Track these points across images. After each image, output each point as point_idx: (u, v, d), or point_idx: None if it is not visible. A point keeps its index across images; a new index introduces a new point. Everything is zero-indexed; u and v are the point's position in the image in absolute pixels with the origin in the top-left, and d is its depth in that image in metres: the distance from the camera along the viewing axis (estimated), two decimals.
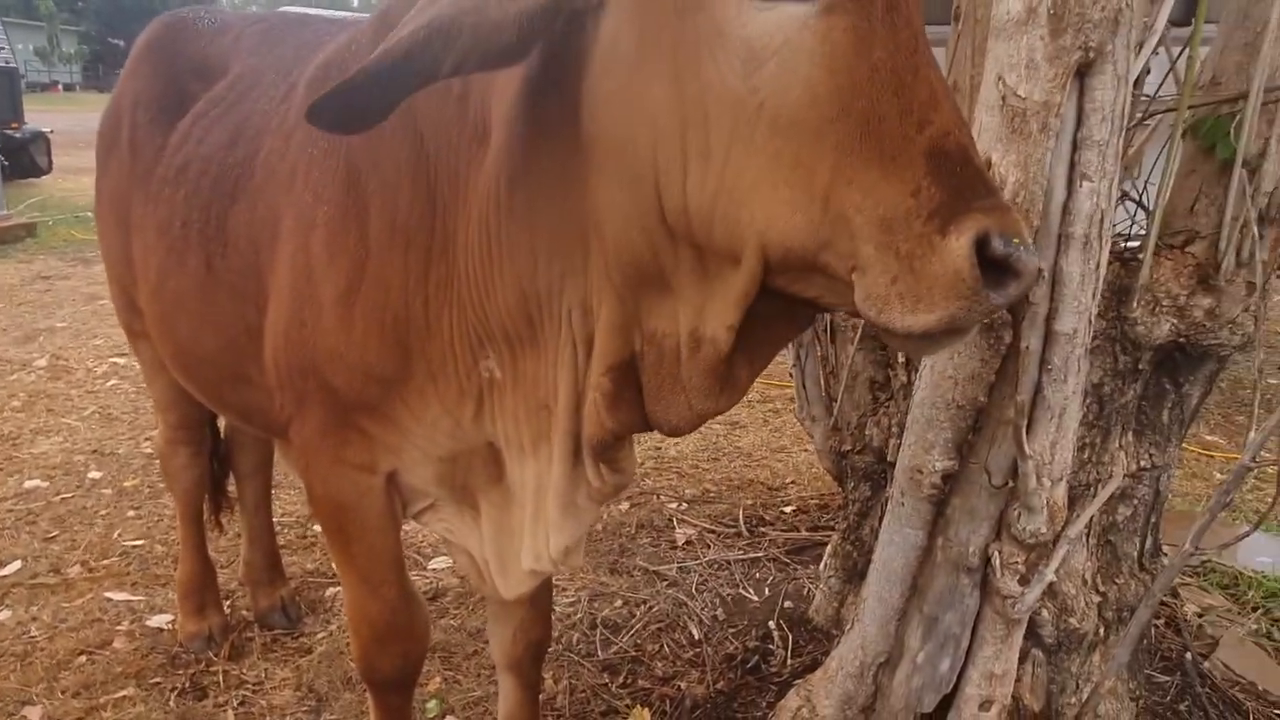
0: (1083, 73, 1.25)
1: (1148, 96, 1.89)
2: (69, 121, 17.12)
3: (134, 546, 2.91)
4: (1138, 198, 1.96)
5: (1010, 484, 1.50)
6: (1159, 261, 1.78)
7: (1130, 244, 1.90)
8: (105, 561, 2.80)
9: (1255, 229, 1.67)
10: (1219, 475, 3.74)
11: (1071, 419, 1.43)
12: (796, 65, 0.83)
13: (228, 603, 2.55)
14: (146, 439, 3.83)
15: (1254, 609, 2.55)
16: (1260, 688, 2.20)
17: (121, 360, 4.91)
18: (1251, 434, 1.44)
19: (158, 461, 3.49)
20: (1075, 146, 1.29)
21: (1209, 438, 4.14)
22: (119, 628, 2.46)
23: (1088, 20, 1.21)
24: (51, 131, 12.03)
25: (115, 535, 2.98)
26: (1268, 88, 1.65)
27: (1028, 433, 1.42)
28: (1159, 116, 1.89)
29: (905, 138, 0.81)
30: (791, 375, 2.53)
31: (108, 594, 2.62)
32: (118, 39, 46.37)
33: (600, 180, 0.97)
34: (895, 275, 0.80)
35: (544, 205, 1.05)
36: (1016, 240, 0.78)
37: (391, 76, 0.88)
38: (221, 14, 1.80)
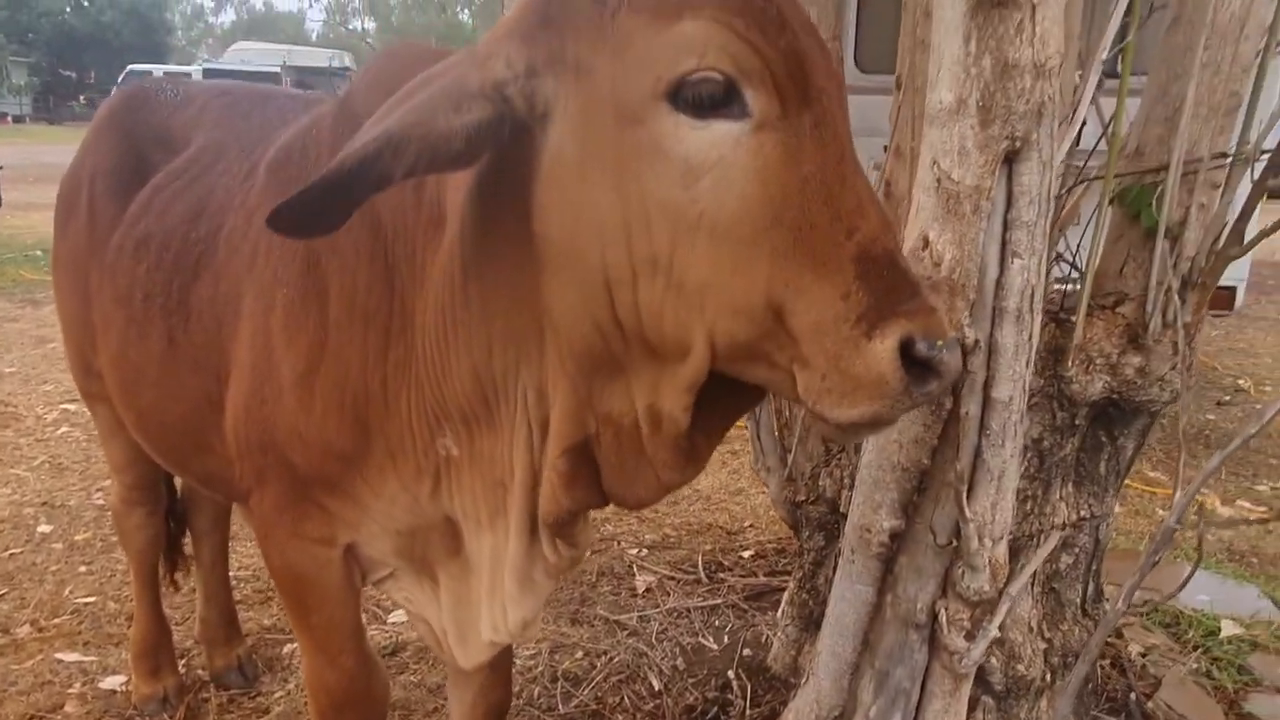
0: (1010, 159, 1.33)
1: (1077, 166, 1.99)
2: (19, 155, 16.83)
3: (86, 604, 2.85)
4: (1071, 259, 2.06)
5: (954, 543, 1.56)
6: (1091, 322, 1.87)
7: (1066, 286, 1.99)
8: (56, 620, 2.75)
9: (1177, 295, 1.76)
10: (1161, 512, 3.87)
11: (1010, 481, 1.50)
12: (732, 179, 0.89)
13: (183, 662, 2.51)
14: (99, 490, 3.76)
15: (1194, 648, 2.63)
16: None
17: (73, 406, 4.82)
18: (1176, 494, 1.52)
19: (111, 515, 3.46)
20: (1006, 226, 1.37)
21: (1151, 474, 4.28)
22: (71, 690, 2.42)
23: (1014, 112, 1.29)
24: (1, 167, 11.83)
25: (66, 592, 2.92)
26: (1186, 160, 1.76)
27: (968, 495, 1.48)
28: (1087, 184, 2.00)
29: (835, 244, 0.87)
30: (747, 425, 2.58)
31: (59, 655, 2.57)
32: (68, 71, 45.77)
33: (552, 278, 1.01)
34: (825, 373, 0.86)
35: (498, 296, 1.09)
36: (939, 342, 0.85)
37: (346, 185, 0.92)
38: (185, 85, 1.82)
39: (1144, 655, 2.59)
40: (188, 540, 2.53)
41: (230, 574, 2.60)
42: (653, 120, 0.90)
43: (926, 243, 1.41)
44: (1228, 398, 5.55)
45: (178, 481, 2.47)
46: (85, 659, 2.56)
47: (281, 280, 1.30)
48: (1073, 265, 2.04)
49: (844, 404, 0.86)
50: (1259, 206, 1.87)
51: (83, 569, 3.11)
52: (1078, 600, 2.12)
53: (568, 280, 0.99)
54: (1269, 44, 1.78)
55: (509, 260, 1.05)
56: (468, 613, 1.38)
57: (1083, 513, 2.01)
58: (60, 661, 2.54)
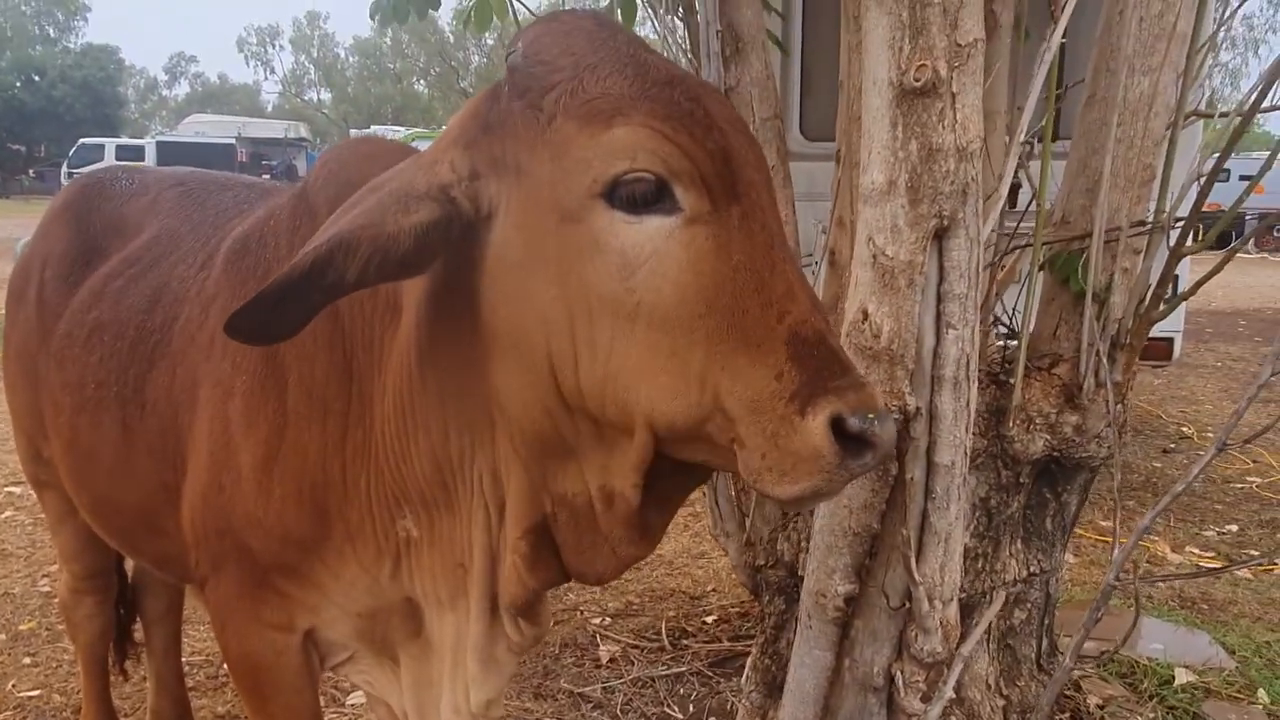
0: (940, 236, 1.41)
1: (1010, 230, 2.09)
2: None
3: (30, 698, 2.75)
4: (1009, 322, 2.15)
5: (906, 605, 1.59)
6: (1029, 383, 1.95)
7: (1006, 346, 2.07)
8: None
9: (1105, 357, 1.85)
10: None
11: (956, 543, 1.55)
12: (666, 270, 0.94)
13: None
14: (44, 576, 3.65)
15: (1150, 697, 2.67)
16: None
17: (17, 490, 4.69)
18: (1114, 551, 1.58)
19: (56, 602, 3.35)
20: (940, 299, 1.44)
21: (1104, 524, 4.37)
22: None
23: (940, 192, 1.37)
24: None
25: (9, 686, 2.81)
26: (1108, 228, 1.86)
27: (917, 558, 1.52)
28: (1020, 250, 2.10)
29: (767, 327, 0.92)
30: (705, 492, 2.61)
31: None
32: (18, 145, 45.39)
33: (500, 366, 1.05)
34: (764, 452, 0.90)
35: (450, 383, 1.13)
36: (871, 415, 0.89)
37: (302, 288, 0.96)
38: (140, 174, 1.85)
39: (1102, 707, 2.62)
40: (138, 627, 2.46)
41: (183, 660, 2.54)
42: (590, 218, 0.96)
43: (866, 315, 1.47)
44: (1173, 445, 5.70)
45: (128, 566, 2.42)
46: None
47: (240, 369, 1.31)
48: (1009, 328, 2.13)
49: (784, 481, 0.89)
50: (1188, 261, 1.97)
51: (27, 660, 3.00)
52: (1033, 655, 2.15)
53: (514, 367, 1.03)
54: (1176, 121, 1.91)
55: (460, 351, 1.09)
56: (429, 694, 1.37)
57: (1033, 568, 2.07)
58: None
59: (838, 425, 0.88)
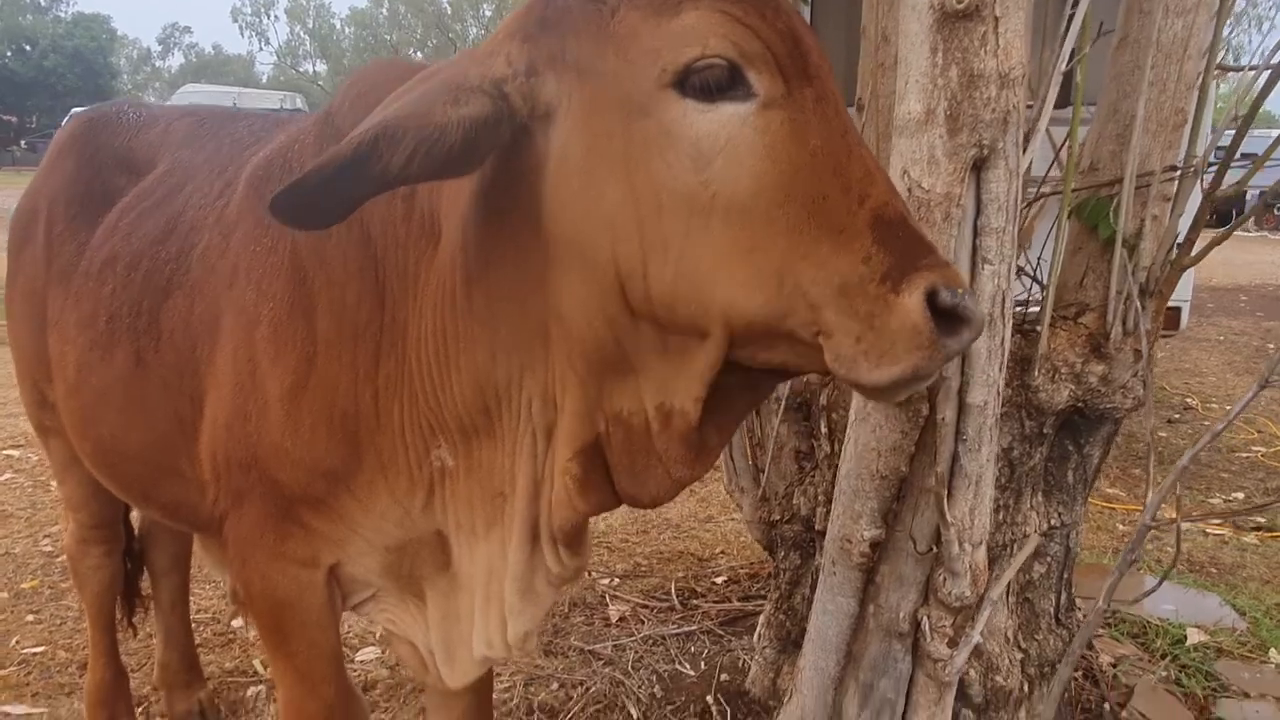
0: (979, 167, 1.37)
1: (1035, 180, 2.05)
2: None
3: (34, 654, 2.73)
4: (1033, 272, 2.11)
5: (934, 550, 1.57)
6: (1055, 332, 1.91)
7: (1031, 309, 2.04)
8: (2, 672, 2.62)
9: (1137, 302, 1.81)
10: (1121, 527, 3.94)
11: (987, 485, 1.52)
12: (742, 158, 0.90)
13: (141, 709, 2.41)
14: (46, 536, 3.63)
15: (1163, 656, 2.67)
16: None
17: (15, 452, 4.66)
18: (1149, 494, 1.55)
19: (59, 560, 3.33)
20: (976, 233, 1.40)
21: (1110, 490, 4.36)
22: None
23: (980, 120, 1.33)
24: None
25: (13, 643, 2.79)
26: (1139, 173, 1.82)
27: (948, 500, 1.49)
28: (1045, 199, 2.06)
29: (849, 212, 0.89)
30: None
31: (5, 708, 2.44)
32: (9, 116, 44.91)
33: (561, 276, 1.01)
34: (859, 335, 0.87)
35: (503, 302, 1.09)
36: (961, 290, 0.86)
37: (342, 175, 0.91)
38: (147, 107, 1.79)
39: (1115, 665, 2.62)
40: (145, 581, 2.44)
41: (190, 616, 2.51)
42: (660, 110, 0.92)
43: None
44: (1177, 415, 5.70)
45: (134, 517, 2.39)
46: (34, 711, 2.44)
47: (266, 296, 1.27)
48: (1033, 278, 2.09)
49: (883, 363, 0.85)
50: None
51: (30, 618, 2.98)
52: (1051, 609, 2.13)
53: (576, 276, 0.99)
54: (1209, 65, 1.86)
55: (514, 267, 1.05)
56: (457, 629, 1.34)
57: (1053, 521, 2.04)
58: (7, 715, 2.42)
59: (930, 301, 0.85)
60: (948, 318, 0.86)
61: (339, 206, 0.95)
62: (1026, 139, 1.67)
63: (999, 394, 1.48)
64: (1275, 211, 18.88)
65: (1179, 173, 1.86)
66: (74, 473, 2.01)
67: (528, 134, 0.99)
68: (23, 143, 40.97)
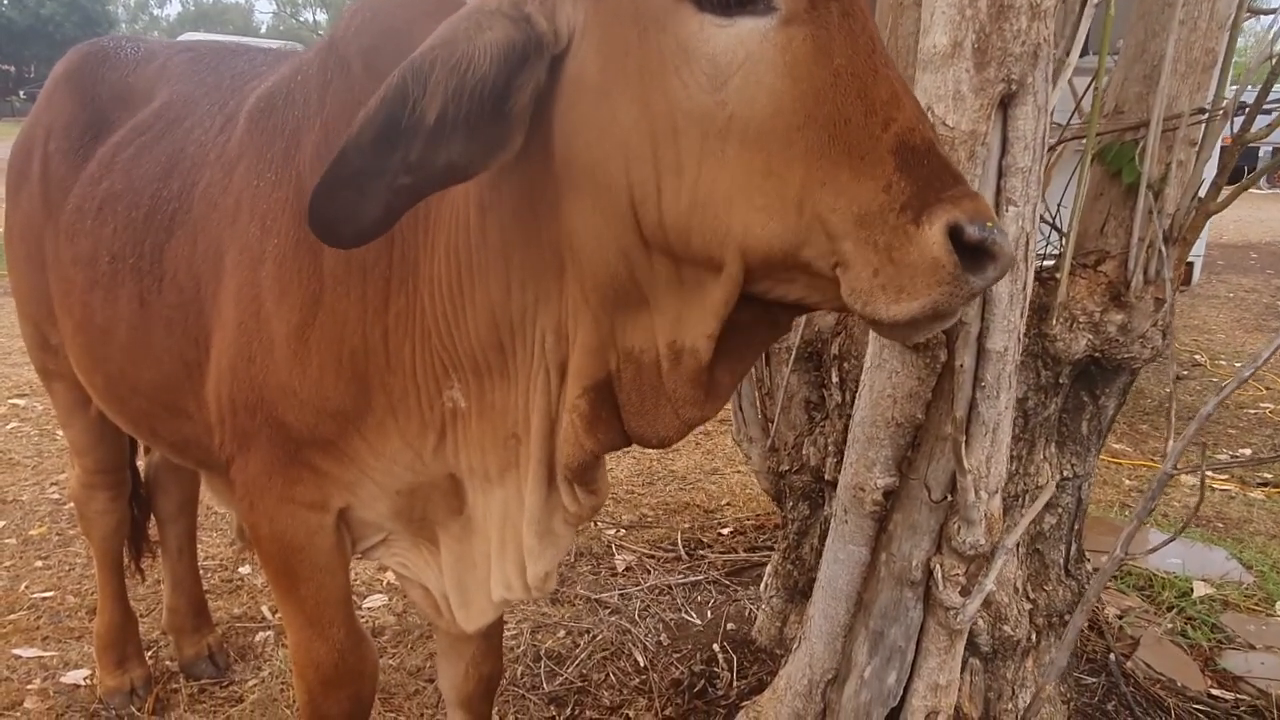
0: (1006, 104, 1.32)
1: (1058, 124, 1.99)
2: None
3: (44, 599, 2.75)
4: (1051, 219, 2.07)
5: (949, 498, 1.55)
6: (1074, 280, 1.87)
7: (1046, 263, 2.00)
8: (12, 616, 2.64)
9: (1161, 248, 1.77)
10: (1127, 482, 3.93)
11: (1005, 433, 1.49)
12: (761, 77, 0.85)
13: (150, 653, 2.43)
14: (53, 484, 3.63)
15: (1169, 609, 2.67)
16: (1179, 684, 2.30)
17: (21, 401, 4.66)
18: (1170, 443, 1.52)
19: (67, 507, 3.34)
20: (1001, 173, 1.35)
21: (1116, 445, 4.35)
22: (30, 686, 2.32)
23: (1010, 54, 1.28)
24: None
25: (22, 588, 2.81)
26: (1166, 116, 1.77)
27: (965, 448, 1.47)
28: (1064, 144, 2.01)
29: (872, 137, 0.84)
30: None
31: (16, 650, 2.46)
32: (7, 65, 44.35)
33: (574, 204, 0.97)
34: (876, 268, 0.83)
35: (517, 232, 1.05)
36: (990, 224, 0.81)
37: (378, 139, 0.88)
38: (145, 42, 1.73)
39: (1121, 617, 2.62)
40: (153, 526, 2.44)
41: (198, 563, 2.52)
42: (676, 23, 0.87)
43: None
44: (1185, 372, 5.67)
45: (142, 464, 2.38)
46: (45, 654, 2.46)
47: (270, 232, 1.23)
48: (1053, 225, 2.04)
49: (902, 298, 0.81)
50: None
51: (39, 564, 2.99)
52: (1061, 561, 2.13)
53: (591, 204, 0.96)
54: (1242, 3, 1.79)
55: (528, 194, 1.02)
56: (472, 573, 1.33)
57: (1065, 472, 2.02)
58: (18, 657, 2.44)
59: (955, 235, 0.80)
60: (974, 253, 0.81)
61: (382, 194, 0.90)
62: (1054, 76, 1.62)
63: (1019, 340, 1.45)
64: None
65: (1207, 116, 1.81)
66: (79, 418, 1.99)
67: (558, 64, 0.94)
68: (21, 93, 40.54)
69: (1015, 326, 1.44)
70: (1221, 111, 1.78)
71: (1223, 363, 5.91)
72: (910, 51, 1.91)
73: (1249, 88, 1.83)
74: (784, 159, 0.85)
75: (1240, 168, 1.87)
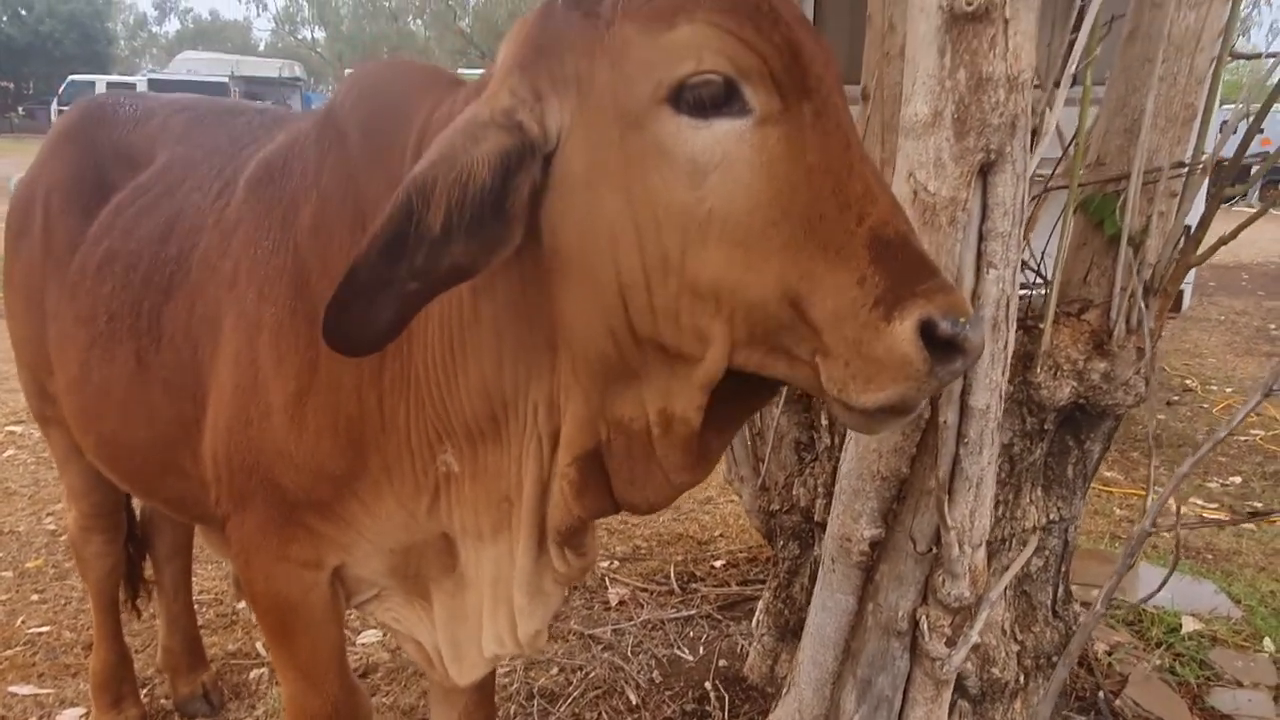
0: (985, 171, 1.36)
1: (1041, 175, 2.03)
2: None
3: (39, 634, 2.75)
4: (1036, 266, 2.10)
5: (934, 550, 1.57)
6: (1058, 329, 1.91)
7: (1034, 294, 2.03)
8: (8, 652, 2.65)
9: (1141, 300, 1.80)
10: (1118, 511, 3.96)
11: (988, 488, 1.52)
12: (738, 175, 0.89)
13: (145, 691, 2.44)
14: (49, 514, 3.64)
15: (1157, 645, 2.69)
16: None
17: (18, 429, 4.67)
18: (1149, 498, 1.55)
19: (63, 538, 3.34)
20: (981, 237, 1.39)
21: (1107, 474, 4.37)
22: None
23: (988, 125, 1.31)
24: None
25: (18, 623, 2.81)
26: (1146, 169, 1.81)
27: (949, 503, 1.50)
28: (1047, 192, 2.04)
29: (846, 231, 0.87)
30: None
31: (12, 688, 2.47)
32: (6, 82, 44.48)
33: (564, 289, 1.01)
34: (849, 360, 0.86)
35: (509, 312, 1.09)
36: (962, 319, 0.85)
37: (386, 251, 0.92)
38: (144, 99, 1.77)
39: (1110, 653, 2.64)
40: (148, 564, 2.45)
41: (193, 598, 2.53)
42: (656, 124, 0.91)
43: None
44: (1176, 397, 5.71)
45: (136, 503, 2.40)
46: (41, 691, 2.47)
47: (268, 300, 1.26)
48: (1037, 272, 2.08)
49: (869, 389, 0.85)
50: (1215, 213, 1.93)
51: (35, 597, 3.00)
52: (1048, 602, 2.15)
53: (580, 291, 0.99)
54: (1221, 55, 1.84)
55: (520, 280, 1.05)
56: (464, 628, 1.35)
57: (1052, 516, 2.05)
58: (14, 695, 2.44)
59: (927, 330, 0.84)
60: (945, 346, 0.85)
61: (392, 302, 0.94)
62: (1034, 135, 1.65)
63: (1001, 398, 1.48)
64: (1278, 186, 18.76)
65: (1187, 169, 1.85)
66: (75, 462, 2.01)
67: (550, 162, 0.98)
68: (20, 109, 40.63)
69: (997, 384, 1.47)
70: (1201, 166, 1.82)
71: (1214, 388, 5.95)
72: (896, 101, 1.95)
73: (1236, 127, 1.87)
74: (762, 252, 0.89)
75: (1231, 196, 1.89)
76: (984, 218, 1.38)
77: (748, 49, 0.89)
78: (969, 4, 1.26)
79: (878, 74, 2.11)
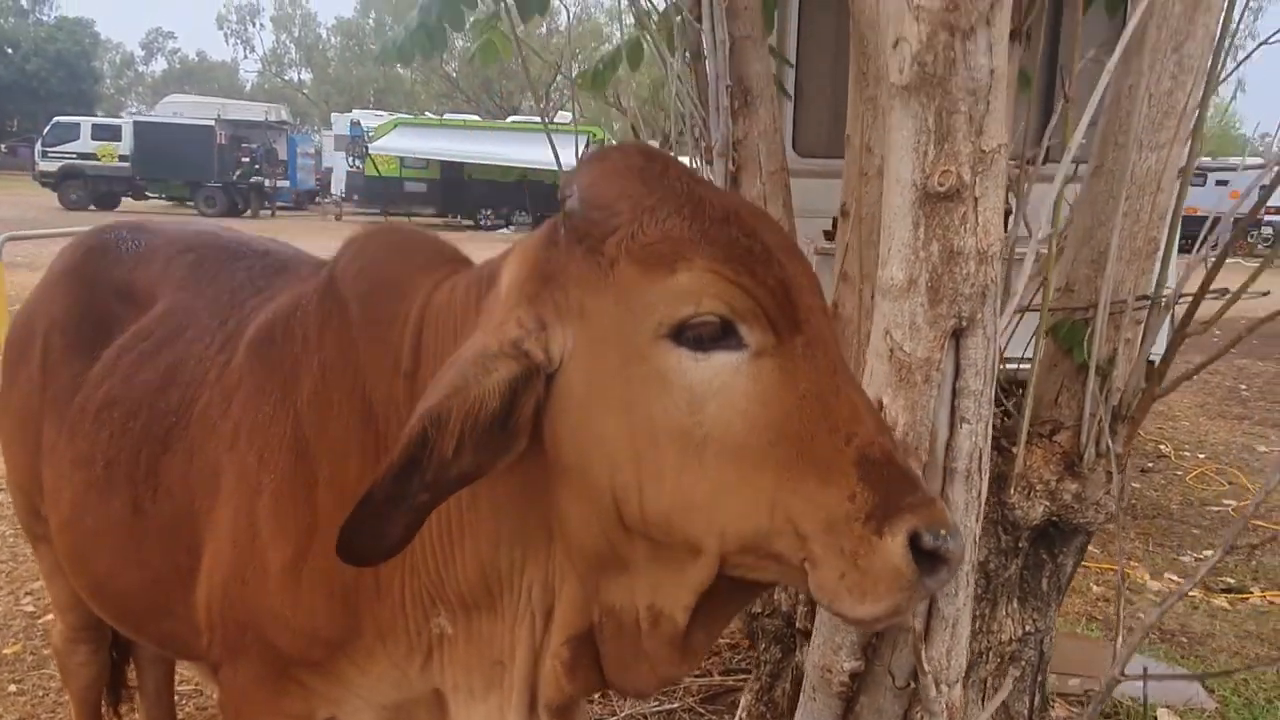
0: (958, 334, 1.42)
1: (1020, 305, 2.10)
2: None
3: None
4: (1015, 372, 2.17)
5: (912, 685, 1.61)
6: (1030, 450, 1.97)
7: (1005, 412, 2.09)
8: None
9: (1108, 428, 1.87)
10: (1095, 588, 4.01)
11: (964, 628, 1.57)
12: (734, 403, 0.96)
13: None
14: (28, 594, 3.61)
15: None
16: None
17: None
18: (1119, 641, 1.60)
19: (41, 623, 3.31)
20: (955, 394, 1.45)
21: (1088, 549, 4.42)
22: None
23: (960, 294, 1.38)
24: None
25: None
26: (1112, 301, 1.88)
27: (925, 643, 1.54)
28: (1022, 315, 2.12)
29: (836, 450, 0.95)
30: None
31: None
32: None
33: (562, 492, 1.07)
34: (843, 572, 0.93)
35: (508, 501, 1.14)
36: (944, 532, 0.92)
37: (401, 478, 0.98)
38: (145, 236, 1.80)
39: None
40: (131, 668, 2.44)
41: (174, 692, 2.52)
42: (656, 356, 0.98)
43: (881, 407, 1.48)
44: (1150, 464, 5.80)
45: None
46: None
47: (268, 466, 1.30)
48: (1010, 391, 2.15)
49: (865, 600, 0.92)
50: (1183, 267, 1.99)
51: (12, 688, 2.97)
52: (1025, 712, 2.19)
53: (577, 495, 1.05)
54: (1181, 194, 1.93)
55: (519, 475, 1.10)
56: None
57: (1028, 628, 2.10)
58: None
59: (913, 542, 0.90)
60: (929, 556, 0.92)
61: (402, 523, 1.00)
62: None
63: (975, 543, 1.53)
64: (1249, 238, 19.16)
65: (1151, 302, 1.93)
66: (62, 578, 2.02)
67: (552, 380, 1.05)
68: (3, 147, 40.58)
69: (971, 531, 1.52)
70: (1164, 301, 1.90)
71: (1187, 453, 6.05)
72: (874, 220, 2.03)
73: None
74: (756, 471, 0.95)
75: (1195, 234, 1.97)
76: (956, 376, 1.45)
77: (743, 293, 0.96)
78: (940, 185, 1.33)
79: (856, 193, 2.19)
